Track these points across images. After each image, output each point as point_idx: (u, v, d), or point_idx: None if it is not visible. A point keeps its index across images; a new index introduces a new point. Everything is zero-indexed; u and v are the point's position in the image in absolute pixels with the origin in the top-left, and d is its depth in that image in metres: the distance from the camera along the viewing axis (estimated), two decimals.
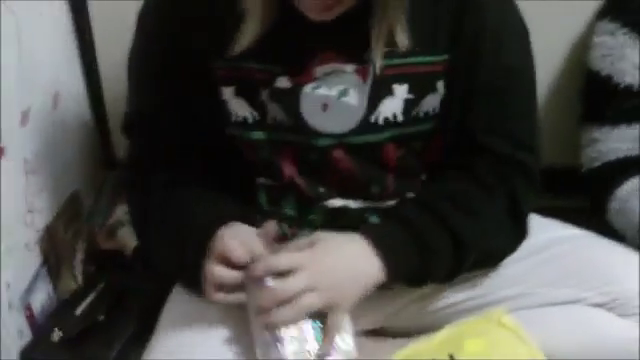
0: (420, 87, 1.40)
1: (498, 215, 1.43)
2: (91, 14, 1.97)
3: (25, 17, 1.68)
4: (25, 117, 1.70)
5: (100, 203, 2.06)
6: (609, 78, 1.78)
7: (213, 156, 1.49)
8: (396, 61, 1.38)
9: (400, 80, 1.39)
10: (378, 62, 1.35)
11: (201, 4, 1.40)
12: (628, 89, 1.76)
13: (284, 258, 1.31)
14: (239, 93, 1.42)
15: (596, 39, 1.82)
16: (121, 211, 1.99)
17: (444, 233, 1.39)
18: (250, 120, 1.42)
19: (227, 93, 1.42)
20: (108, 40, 2.00)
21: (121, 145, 2.04)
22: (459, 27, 1.38)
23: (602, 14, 1.83)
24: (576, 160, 1.86)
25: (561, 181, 1.74)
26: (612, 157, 1.78)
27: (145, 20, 1.48)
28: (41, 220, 1.79)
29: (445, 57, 1.39)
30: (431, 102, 1.41)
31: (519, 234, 1.47)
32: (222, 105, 1.43)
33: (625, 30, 1.76)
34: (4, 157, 1.60)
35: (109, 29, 1.98)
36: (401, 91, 1.39)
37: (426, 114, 1.42)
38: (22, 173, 1.69)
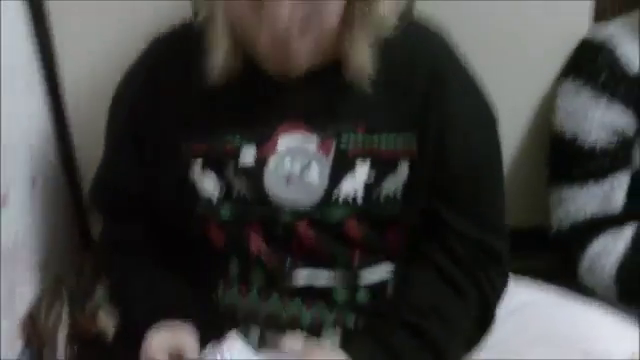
0: (381, 167, 1.44)
1: (472, 323, 1.48)
2: (67, 100, 2.00)
3: (4, 104, 1.70)
4: (3, 202, 1.70)
5: (80, 285, 2.06)
6: (574, 138, 1.82)
7: (180, 235, 1.53)
8: (359, 139, 1.42)
9: (362, 158, 1.43)
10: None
11: (169, 89, 1.48)
12: (593, 149, 1.80)
13: None
14: (206, 166, 1.46)
15: (560, 99, 1.87)
16: (100, 293, 2.00)
17: (427, 355, 1.42)
18: (217, 196, 1.46)
19: (194, 169, 1.46)
20: (84, 127, 2.02)
21: (98, 227, 2.07)
22: (426, 114, 1.43)
23: (564, 74, 1.88)
24: (545, 221, 1.88)
25: (531, 242, 1.78)
26: (581, 217, 1.81)
27: (118, 104, 1.56)
28: (22, 305, 1.77)
29: (409, 140, 1.43)
30: (391, 185, 1.45)
31: (488, 327, 1.51)
32: (191, 185, 1.47)
33: (588, 89, 1.80)
34: None
35: (85, 116, 2.00)
36: (363, 169, 1.43)
37: (386, 198, 1.45)
38: (1, 258, 1.69)
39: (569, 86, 1.85)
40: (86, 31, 1.90)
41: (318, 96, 1.43)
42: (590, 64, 1.80)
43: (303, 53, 1.36)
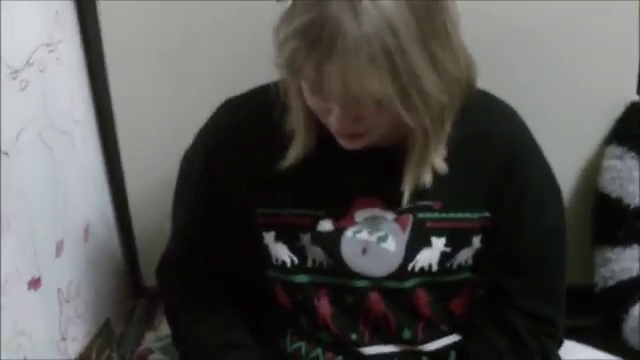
0: (457, 241, 1.46)
1: None
2: (121, 148, 2.05)
3: (60, 152, 1.75)
4: (59, 248, 1.75)
5: (130, 331, 2.09)
6: (619, 200, 1.84)
7: (250, 295, 1.55)
8: (436, 215, 1.44)
9: (438, 233, 1.45)
10: (407, 192, 1.38)
11: (243, 154, 1.48)
12: (638, 210, 1.82)
13: None
14: (279, 238, 1.48)
15: (605, 163, 1.89)
16: (151, 338, 2.03)
17: None
18: (290, 264, 1.48)
19: (268, 238, 1.48)
20: (137, 172, 2.07)
21: (149, 274, 2.10)
22: (501, 189, 1.44)
23: (609, 139, 1.91)
24: (589, 280, 1.90)
25: (575, 301, 1.79)
26: (625, 277, 1.83)
27: (190, 167, 1.56)
28: (74, 348, 1.81)
29: (484, 215, 1.45)
30: (465, 255, 1.47)
31: None
32: (263, 249, 1.49)
33: (632, 154, 1.83)
34: (40, 287, 1.64)
35: (138, 163, 2.06)
36: (439, 244, 1.45)
37: (459, 266, 1.47)
38: (56, 302, 1.73)
39: (614, 150, 1.87)
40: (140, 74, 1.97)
41: (393, 173, 1.41)
42: (637, 125, 1.83)
43: (366, 140, 1.35)
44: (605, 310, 1.88)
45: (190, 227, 1.56)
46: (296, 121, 1.38)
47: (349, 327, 1.51)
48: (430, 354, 1.52)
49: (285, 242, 1.48)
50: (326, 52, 1.17)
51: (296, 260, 1.48)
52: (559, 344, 1.53)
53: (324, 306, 1.50)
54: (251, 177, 1.47)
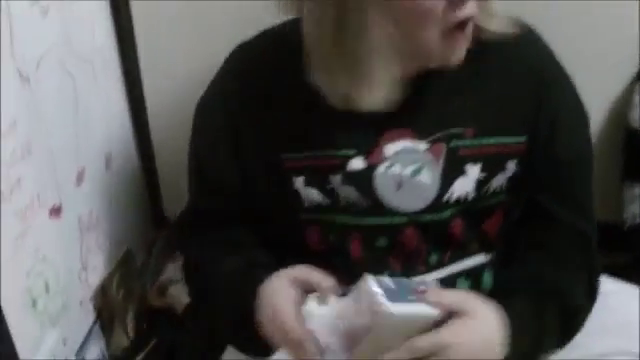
0: (491, 167, 1.44)
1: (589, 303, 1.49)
2: (142, 76, 2.03)
3: (81, 79, 1.74)
4: (80, 176, 1.75)
5: (151, 261, 2.09)
6: None
7: (279, 238, 1.52)
8: (469, 142, 1.42)
9: (473, 160, 1.42)
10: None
11: (262, 98, 1.44)
12: None
13: (426, 343, 1.26)
14: (309, 183, 1.44)
15: (636, 99, 1.86)
16: (172, 269, 2.02)
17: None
18: (323, 205, 1.45)
19: (297, 183, 1.44)
20: (159, 101, 2.05)
21: (171, 205, 2.10)
22: (536, 115, 1.43)
23: None
24: (619, 216, 1.88)
25: (604, 237, 1.78)
26: None
27: (209, 113, 1.52)
28: (95, 277, 1.82)
29: (518, 140, 1.43)
30: (499, 181, 1.45)
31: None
32: (293, 194, 1.45)
33: None
34: (61, 215, 1.64)
35: (160, 91, 2.04)
36: (474, 171, 1.43)
37: (493, 192, 1.46)
38: (77, 231, 1.73)
39: None
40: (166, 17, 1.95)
41: (423, 101, 1.40)
42: None
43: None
44: (634, 247, 1.86)
45: (218, 178, 1.52)
46: (375, 56, 1.31)
47: (380, 267, 1.46)
48: (464, 273, 1.50)
49: (315, 185, 1.44)
50: None
51: (329, 202, 1.45)
52: (596, 256, 1.52)
53: (355, 246, 1.47)
54: (274, 122, 1.44)
